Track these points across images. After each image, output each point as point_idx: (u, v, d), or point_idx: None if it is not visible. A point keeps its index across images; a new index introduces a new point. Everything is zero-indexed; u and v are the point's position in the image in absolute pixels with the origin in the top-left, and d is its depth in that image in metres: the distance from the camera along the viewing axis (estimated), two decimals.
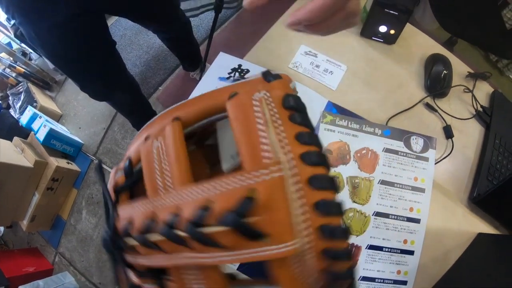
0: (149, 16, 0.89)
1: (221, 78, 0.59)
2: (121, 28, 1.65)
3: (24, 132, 1.38)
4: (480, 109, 0.60)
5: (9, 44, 1.65)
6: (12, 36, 1.54)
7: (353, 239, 0.51)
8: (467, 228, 0.53)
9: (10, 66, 1.57)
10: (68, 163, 1.40)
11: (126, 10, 0.81)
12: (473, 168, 0.57)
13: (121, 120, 1.50)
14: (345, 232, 0.17)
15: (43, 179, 1.29)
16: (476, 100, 0.61)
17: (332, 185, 0.17)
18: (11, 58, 1.61)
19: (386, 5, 0.59)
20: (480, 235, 0.53)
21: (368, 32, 0.65)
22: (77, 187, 1.44)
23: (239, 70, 0.59)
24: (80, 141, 1.52)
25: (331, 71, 0.62)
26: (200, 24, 1.62)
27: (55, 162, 1.30)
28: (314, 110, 0.57)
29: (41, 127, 1.34)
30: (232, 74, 0.59)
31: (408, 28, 0.65)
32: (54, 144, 1.37)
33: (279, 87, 0.20)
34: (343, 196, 0.52)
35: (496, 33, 0.81)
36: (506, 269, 0.46)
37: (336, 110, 0.58)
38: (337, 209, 0.17)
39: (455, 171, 0.57)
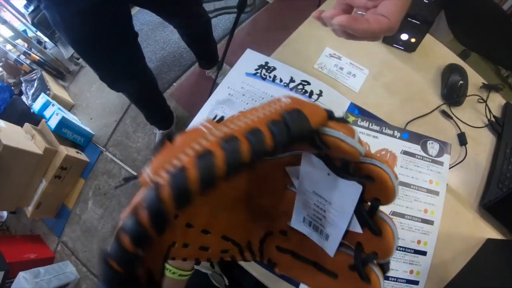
0: (173, 10, 0.91)
1: (248, 74, 0.61)
2: (138, 23, 1.67)
3: (35, 119, 1.38)
4: (492, 119, 0.63)
5: (24, 31, 1.66)
6: (29, 23, 1.56)
7: None
8: (476, 233, 0.55)
9: (25, 53, 1.58)
10: (77, 152, 1.41)
11: (152, 1, 0.83)
12: (484, 175, 0.59)
13: (133, 114, 1.51)
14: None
15: (52, 167, 1.29)
16: (489, 110, 0.63)
17: None
18: (26, 45, 1.62)
19: (409, 15, 0.61)
20: (489, 241, 0.55)
21: (390, 39, 0.67)
22: (84, 177, 1.44)
23: (266, 67, 0.61)
24: (91, 131, 1.53)
25: (354, 74, 0.64)
26: (216, 25, 1.65)
27: (64, 150, 1.30)
28: (337, 111, 0.59)
29: (53, 115, 1.35)
30: (259, 71, 0.61)
31: (427, 38, 0.68)
32: (65, 132, 1.38)
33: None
34: None
35: (509, 48, 0.85)
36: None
37: (358, 111, 0.61)
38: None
39: (467, 177, 0.59)
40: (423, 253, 0.53)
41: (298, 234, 0.30)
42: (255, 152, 0.14)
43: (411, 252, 0.53)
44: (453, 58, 0.70)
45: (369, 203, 0.22)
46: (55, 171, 1.28)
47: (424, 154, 0.58)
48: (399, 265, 0.52)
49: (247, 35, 1.62)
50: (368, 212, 0.22)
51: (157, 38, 1.64)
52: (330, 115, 0.19)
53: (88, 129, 1.53)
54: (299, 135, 0.16)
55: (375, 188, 0.20)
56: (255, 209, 0.33)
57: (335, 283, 0.26)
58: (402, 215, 0.54)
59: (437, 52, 0.70)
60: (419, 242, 0.54)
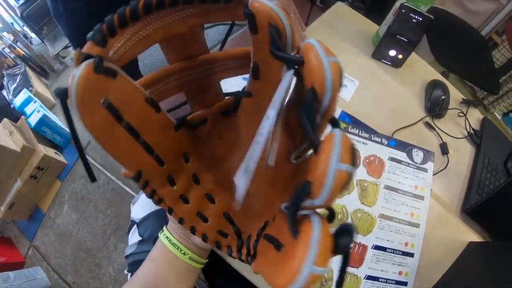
0: None
1: (244, 78, 0.63)
2: None
3: (14, 116, 1.32)
4: (472, 131, 0.68)
5: (11, 24, 1.61)
6: (16, 17, 1.51)
7: (360, 239, 0.54)
8: (459, 236, 0.59)
9: (10, 46, 1.52)
10: (56, 153, 1.35)
11: None
12: (465, 182, 0.64)
13: None
14: None
15: (28, 166, 1.23)
16: (469, 123, 0.68)
17: None
18: (12, 38, 1.56)
19: (398, 33, 0.67)
20: (471, 243, 0.58)
21: (379, 54, 0.72)
22: (61, 180, 1.38)
23: None
24: None
25: (345, 85, 0.67)
26: (206, 35, 1.67)
27: (43, 150, 1.25)
28: None
29: (34, 112, 1.30)
30: None
31: (413, 55, 0.73)
32: (45, 131, 1.33)
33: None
34: (353, 198, 0.56)
35: (486, 71, 0.93)
36: (492, 273, 0.51)
37: (348, 119, 0.64)
38: None
39: (449, 184, 0.63)
40: (411, 254, 0.55)
41: (283, 216, 0.25)
42: None
43: (400, 254, 0.55)
44: (436, 75, 0.75)
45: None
46: (32, 171, 1.22)
47: (409, 161, 0.62)
48: (388, 267, 0.54)
49: (238, 45, 1.65)
50: (305, 113, 0.16)
51: None
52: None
53: (68, 130, 1.47)
54: None
55: (307, 72, 0.16)
56: (265, 190, 0.33)
57: (277, 257, 0.20)
58: (390, 218, 0.57)
59: (422, 69, 0.76)
60: (406, 244, 0.56)
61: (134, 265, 0.49)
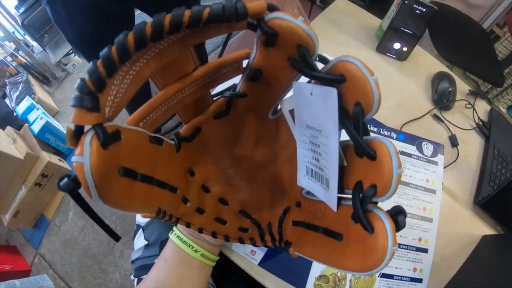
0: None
1: None
2: None
3: (17, 123, 1.32)
4: (480, 122, 0.67)
5: (13, 34, 1.62)
6: (17, 26, 1.52)
7: None
8: (473, 230, 0.57)
9: (12, 55, 1.53)
10: (59, 160, 1.35)
11: (153, 4, 0.82)
12: (476, 175, 0.62)
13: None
14: None
15: (32, 174, 1.22)
16: (477, 114, 0.67)
17: None
18: (14, 46, 1.57)
19: (401, 25, 0.66)
20: (485, 237, 0.57)
21: (383, 48, 0.71)
22: None
23: None
24: None
25: None
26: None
27: (47, 157, 1.24)
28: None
29: (37, 119, 1.29)
30: None
31: (417, 48, 0.72)
32: (48, 138, 1.32)
33: None
34: None
35: (490, 64, 0.92)
36: (509, 268, 0.49)
37: None
38: None
39: (460, 177, 0.62)
40: (425, 250, 0.54)
41: (310, 202, 0.29)
42: (193, 14, 0.17)
43: (413, 250, 0.54)
44: (441, 67, 0.74)
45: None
46: (36, 178, 1.21)
47: (419, 154, 0.61)
48: (402, 263, 0.52)
49: (238, 48, 1.65)
50: (354, 127, 0.19)
51: None
52: (271, 6, 0.19)
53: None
54: (224, 13, 0.17)
55: (351, 89, 0.19)
56: (271, 180, 0.32)
57: (341, 246, 0.23)
58: None
59: (427, 61, 0.75)
60: (420, 239, 0.55)
61: (140, 270, 0.49)
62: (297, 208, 0.31)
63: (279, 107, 0.30)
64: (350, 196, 0.21)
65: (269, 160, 0.32)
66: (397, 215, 0.19)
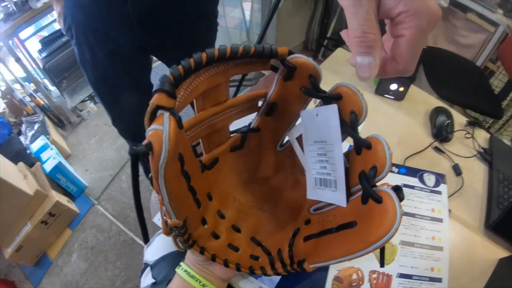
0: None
1: None
2: None
3: (30, 161, 1.37)
4: (481, 150, 0.70)
5: (34, 75, 1.68)
6: (38, 69, 1.61)
7: (383, 268, 0.54)
8: (488, 254, 0.57)
9: (31, 95, 1.61)
10: (68, 201, 1.37)
11: (171, 55, 0.84)
12: (483, 200, 0.64)
13: (130, 171, 1.52)
14: None
15: (40, 211, 1.24)
16: (477, 142, 0.71)
17: None
18: (34, 87, 1.65)
19: None
20: (502, 260, 0.56)
21: (381, 90, 0.78)
22: (72, 228, 1.38)
23: None
24: (85, 183, 1.51)
25: None
26: None
27: (55, 196, 1.27)
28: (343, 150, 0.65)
29: (50, 158, 1.34)
30: None
31: (412, 87, 0.79)
32: (59, 178, 1.35)
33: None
34: None
35: (487, 98, 0.97)
36: None
37: None
38: None
39: (468, 203, 0.63)
40: (439, 280, 0.54)
41: (318, 215, 0.32)
42: (245, 49, 0.25)
43: (427, 280, 0.54)
44: (437, 102, 0.80)
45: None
46: (43, 216, 1.23)
47: (422, 186, 0.63)
48: None
49: (254, 89, 1.75)
50: (352, 129, 0.26)
51: None
52: (290, 51, 0.28)
53: (82, 180, 1.51)
54: (264, 50, 0.26)
55: (346, 103, 0.26)
56: (280, 206, 0.36)
57: (357, 230, 0.26)
58: (411, 244, 0.57)
59: (423, 98, 0.81)
60: (432, 269, 0.55)
61: None
62: (306, 226, 0.33)
63: (285, 140, 0.36)
64: (355, 192, 0.27)
65: (278, 188, 0.36)
66: (397, 191, 0.23)
